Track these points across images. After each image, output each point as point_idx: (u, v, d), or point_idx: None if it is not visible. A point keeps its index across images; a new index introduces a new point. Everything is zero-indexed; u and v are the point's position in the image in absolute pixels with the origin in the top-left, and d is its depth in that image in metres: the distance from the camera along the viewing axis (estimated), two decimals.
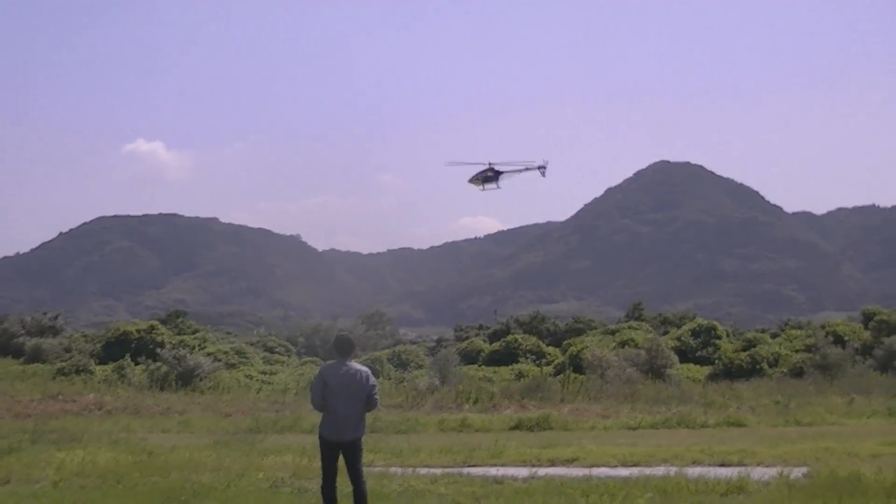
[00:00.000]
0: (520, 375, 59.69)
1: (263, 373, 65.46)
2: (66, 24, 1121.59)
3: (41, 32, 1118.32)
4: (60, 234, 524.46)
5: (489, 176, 53.87)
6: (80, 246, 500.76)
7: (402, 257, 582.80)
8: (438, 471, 20.48)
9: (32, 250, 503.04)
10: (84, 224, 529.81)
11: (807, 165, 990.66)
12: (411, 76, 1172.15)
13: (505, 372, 62.10)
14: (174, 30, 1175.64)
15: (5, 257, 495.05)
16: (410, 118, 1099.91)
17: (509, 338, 71.43)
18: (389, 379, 57.11)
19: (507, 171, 53.54)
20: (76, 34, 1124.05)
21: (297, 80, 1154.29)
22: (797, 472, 18.72)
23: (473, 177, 54.25)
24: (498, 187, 54.35)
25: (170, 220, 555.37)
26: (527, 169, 53.44)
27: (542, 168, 53.54)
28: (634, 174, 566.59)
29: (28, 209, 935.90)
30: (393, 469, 20.41)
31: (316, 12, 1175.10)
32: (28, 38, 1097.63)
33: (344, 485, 13.96)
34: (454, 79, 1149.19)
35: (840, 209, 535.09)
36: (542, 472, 20.30)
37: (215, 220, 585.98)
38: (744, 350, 62.22)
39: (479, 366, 65.81)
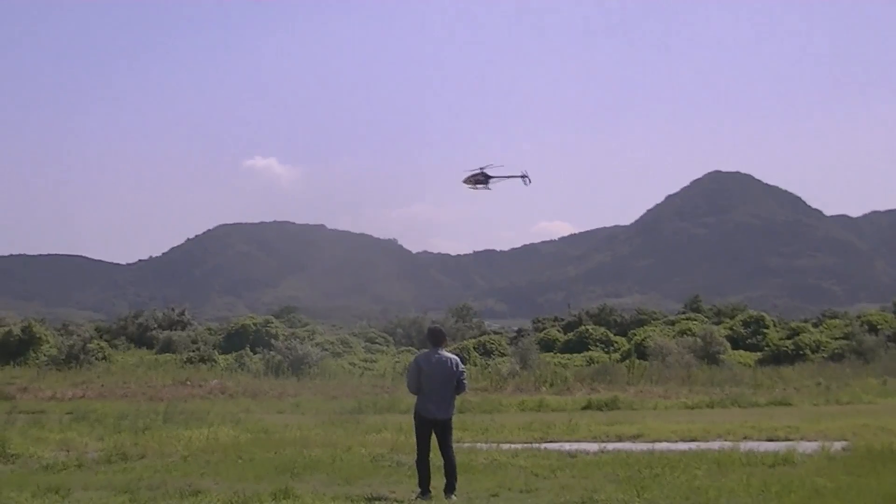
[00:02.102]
0: (590, 361, 59.59)
1: (365, 360, 65.71)
2: (196, 57, 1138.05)
3: (178, 65, 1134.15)
4: (188, 239, 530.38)
5: (480, 179, 54.18)
6: (205, 250, 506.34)
7: (487, 257, 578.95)
8: (519, 446, 20.62)
9: (164, 254, 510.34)
10: (208, 231, 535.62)
11: (844, 173, 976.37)
12: (500, 96, 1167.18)
13: (577, 358, 61.86)
14: (285, 61, 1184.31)
15: (140, 260, 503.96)
16: (498, 135, 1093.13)
17: (581, 328, 71.02)
18: (476, 365, 57.08)
19: (495, 177, 53.90)
20: (204, 67, 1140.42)
21: (392, 104, 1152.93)
22: (837, 446, 18.70)
23: (467, 178, 54.55)
24: (488, 188, 54.65)
25: (283, 227, 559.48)
26: (512, 176, 53.85)
27: (524, 177, 53.99)
28: (691, 182, 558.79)
29: (160, 218, 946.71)
30: (479, 444, 20.53)
31: (410, 36, 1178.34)
32: (166, 70, 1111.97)
33: (436, 458, 14.03)
34: (533, 97, 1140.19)
35: (874, 212, 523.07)
36: (610, 446, 20.38)
37: (322, 226, 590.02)
38: (788, 338, 61.85)
39: (555, 353, 65.54)
